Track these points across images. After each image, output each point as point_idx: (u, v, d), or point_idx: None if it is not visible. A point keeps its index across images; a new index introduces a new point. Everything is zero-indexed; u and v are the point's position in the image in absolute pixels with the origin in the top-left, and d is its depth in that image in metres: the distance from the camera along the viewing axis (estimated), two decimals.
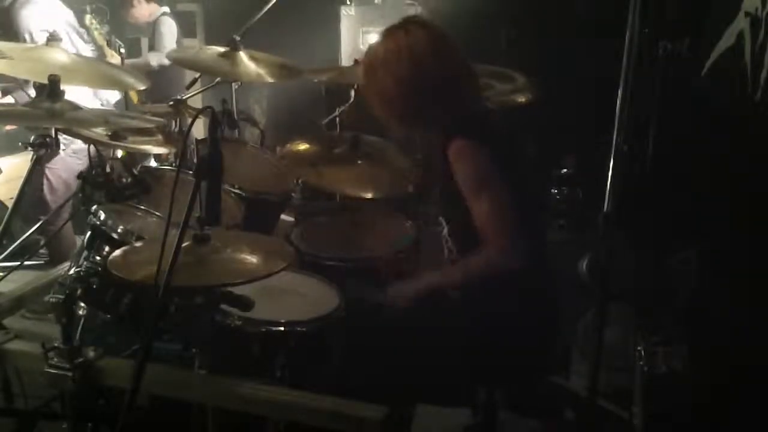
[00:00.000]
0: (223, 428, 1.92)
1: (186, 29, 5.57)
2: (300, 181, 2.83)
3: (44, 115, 1.95)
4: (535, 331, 2.05)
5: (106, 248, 1.98)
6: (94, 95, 3.85)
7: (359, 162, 2.60)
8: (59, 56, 2.27)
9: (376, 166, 2.62)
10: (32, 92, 3.36)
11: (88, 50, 3.96)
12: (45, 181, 3.71)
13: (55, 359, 1.85)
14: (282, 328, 1.93)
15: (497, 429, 2.35)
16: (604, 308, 1.76)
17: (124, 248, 1.82)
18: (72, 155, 3.67)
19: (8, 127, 4.21)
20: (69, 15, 3.89)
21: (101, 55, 4.38)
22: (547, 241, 2.22)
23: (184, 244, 1.50)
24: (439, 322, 2.04)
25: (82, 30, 4.06)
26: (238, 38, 2.75)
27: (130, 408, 1.46)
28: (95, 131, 2.26)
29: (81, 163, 3.45)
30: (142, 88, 2.56)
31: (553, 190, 3.60)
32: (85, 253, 2.01)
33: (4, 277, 2.26)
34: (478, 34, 3.81)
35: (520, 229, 1.90)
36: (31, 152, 2.19)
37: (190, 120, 1.76)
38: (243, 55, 2.74)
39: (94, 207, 2.05)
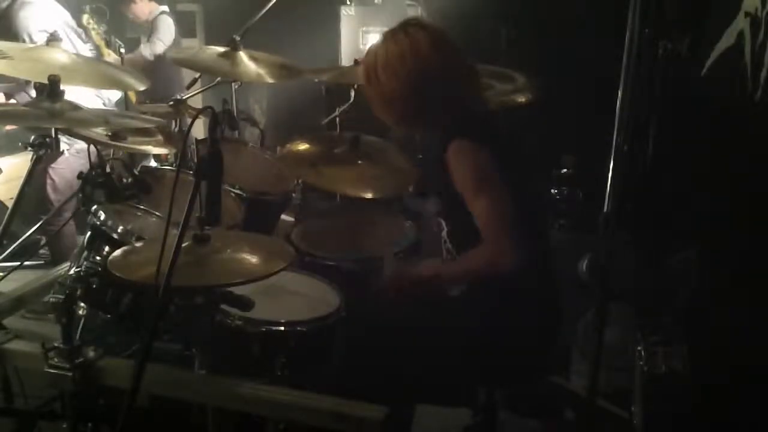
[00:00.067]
0: (223, 428, 1.92)
1: (186, 29, 5.59)
2: (300, 181, 2.83)
3: (44, 115, 1.95)
4: (535, 331, 2.05)
5: (106, 248, 1.99)
6: (96, 94, 3.85)
7: (359, 162, 2.59)
8: (59, 56, 2.27)
9: (376, 166, 2.61)
10: (33, 93, 3.36)
11: (87, 50, 3.96)
12: (49, 181, 3.72)
13: (55, 359, 1.85)
14: (282, 328, 1.93)
15: (497, 429, 2.35)
16: (604, 308, 1.76)
17: (124, 248, 1.82)
18: (75, 155, 3.67)
19: (8, 127, 4.20)
20: (66, 15, 3.89)
21: (99, 55, 4.39)
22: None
23: (184, 244, 1.50)
24: (439, 322, 2.03)
25: (80, 30, 4.07)
26: (238, 38, 2.75)
27: (130, 408, 1.46)
28: (95, 131, 2.26)
29: (84, 163, 3.44)
30: (143, 88, 2.56)
31: (553, 190, 3.60)
32: (85, 253, 2.01)
33: (4, 277, 2.26)
34: (478, 34, 3.82)
35: (520, 229, 1.89)
36: (31, 152, 2.19)
37: (190, 120, 1.76)
38: (243, 55, 2.74)
39: (94, 207, 2.05)
